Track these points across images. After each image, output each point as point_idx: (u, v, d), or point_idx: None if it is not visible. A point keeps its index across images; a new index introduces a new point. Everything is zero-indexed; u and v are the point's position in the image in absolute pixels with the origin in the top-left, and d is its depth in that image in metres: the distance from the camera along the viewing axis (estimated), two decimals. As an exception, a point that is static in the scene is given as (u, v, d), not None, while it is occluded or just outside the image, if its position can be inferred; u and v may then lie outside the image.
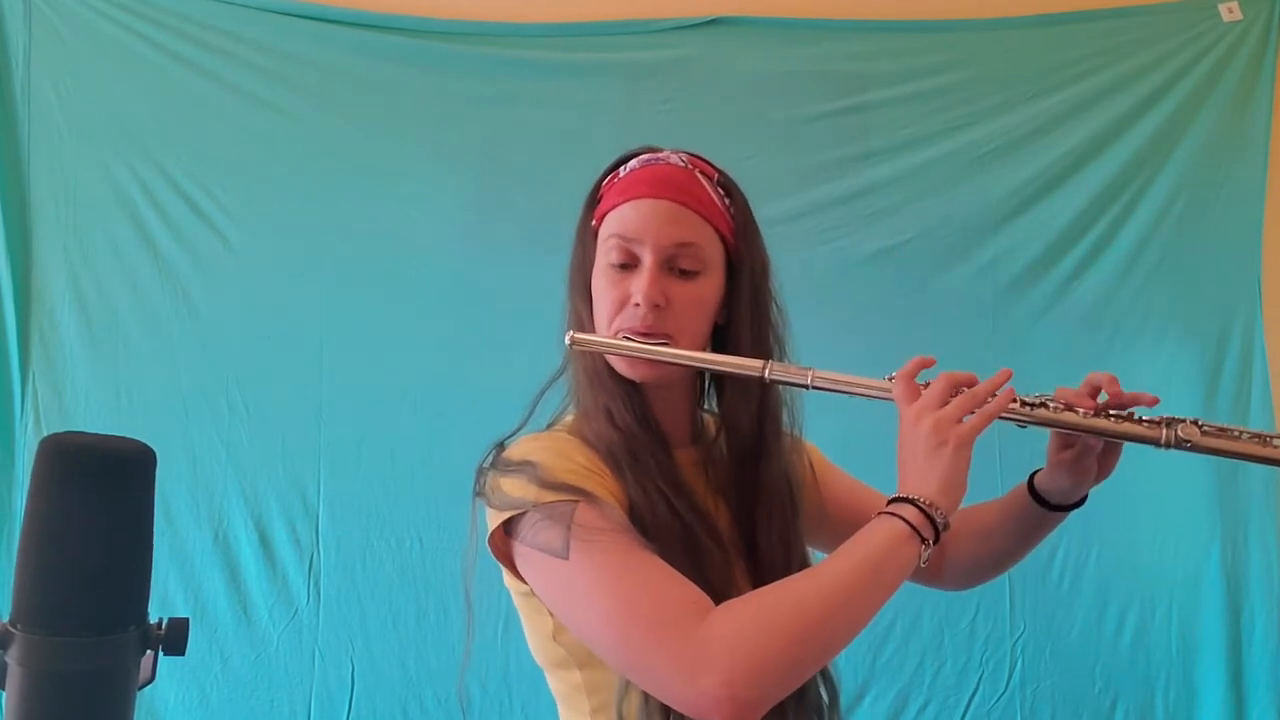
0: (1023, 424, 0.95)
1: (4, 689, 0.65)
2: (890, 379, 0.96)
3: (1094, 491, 1.06)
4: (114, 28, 2.25)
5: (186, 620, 0.69)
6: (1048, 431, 1.00)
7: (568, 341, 1.00)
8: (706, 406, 1.11)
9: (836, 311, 2.19)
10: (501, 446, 0.99)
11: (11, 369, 2.22)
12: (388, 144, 2.29)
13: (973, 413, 0.90)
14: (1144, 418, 0.94)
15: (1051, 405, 0.95)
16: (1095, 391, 0.97)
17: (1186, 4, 2.30)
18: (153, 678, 0.68)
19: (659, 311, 0.97)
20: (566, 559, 0.86)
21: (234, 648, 2.20)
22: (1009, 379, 0.94)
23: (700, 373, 1.06)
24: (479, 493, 0.97)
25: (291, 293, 2.26)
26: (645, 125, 2.26)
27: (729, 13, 2.30)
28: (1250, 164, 2.27)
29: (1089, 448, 1.01)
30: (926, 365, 0.96)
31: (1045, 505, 1.07)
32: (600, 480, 0.93)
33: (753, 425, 1.03)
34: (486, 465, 0.98)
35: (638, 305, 0.96)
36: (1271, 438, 0.93)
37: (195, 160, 2.26)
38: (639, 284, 0.97)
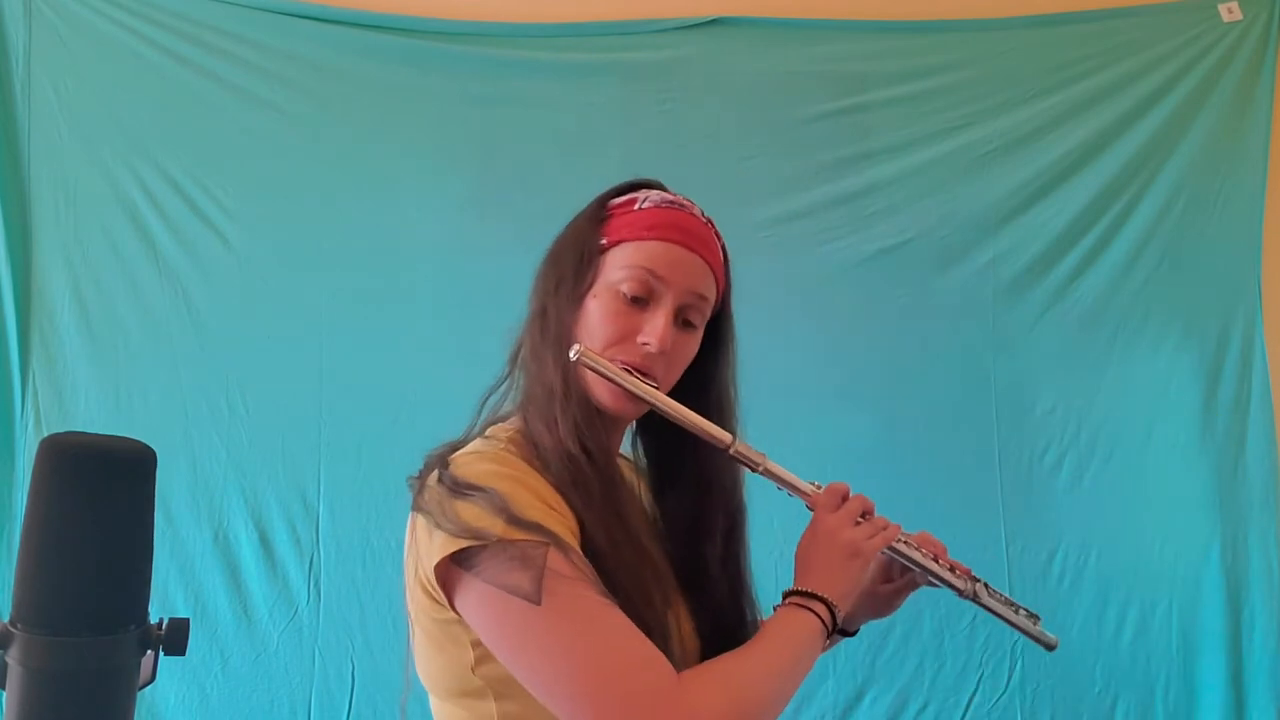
0: (889, 555, 1.08)
1: (4, 688, 0.65)
2: (816, 486, 1.04)
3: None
4: (114, 28, 2.25)
5: (186, 620, 0.69)
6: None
7: (572, 355, 0.96)
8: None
9: (837, 311, 2.18)
10: (445, 462, 0.94)
11: (11, 369, 2.21)
12: (387, 144, 2.29)
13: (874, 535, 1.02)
14: (958, 570, 1.13)
15: (909, 543, 1.09)
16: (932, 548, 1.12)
17: (1186, 4, 2.30)
18: (153, 678, 0.68)
19: (663, 358, 0.98)
20: (538, 604, 0.84)
21: (234, 648, 2.20)
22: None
23: None
24: (422, 508, 0.92)
25: (291, 293, 2.25)
26: (645, 125, 2.25)
27: (729, 13, 2.30)
28: (1250, 164, 2.27)
29: (908, 585, 1.14)
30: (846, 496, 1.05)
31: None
32: (560, 518, 0.90)
33: (686, 459, 1.07)
34: (432, 481, 0.93)
35: (646, 345, 0.97)
36: (1020, 609, 1.19)
37: (195, 160, 2.25)
38: (653, 326, 0.97)
